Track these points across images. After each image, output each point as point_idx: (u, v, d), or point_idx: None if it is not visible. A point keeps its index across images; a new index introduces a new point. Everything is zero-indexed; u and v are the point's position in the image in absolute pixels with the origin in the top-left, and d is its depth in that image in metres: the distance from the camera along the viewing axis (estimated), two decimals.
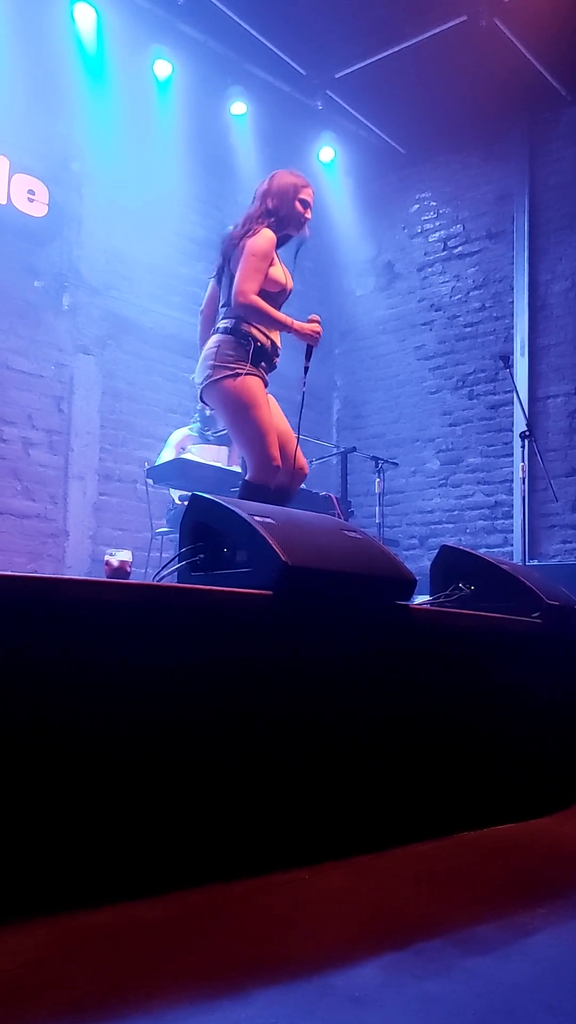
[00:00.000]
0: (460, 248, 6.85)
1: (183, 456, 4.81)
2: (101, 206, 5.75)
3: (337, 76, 6.28)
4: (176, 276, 6.28)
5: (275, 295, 3.04)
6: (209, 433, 5.05)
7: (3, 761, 1.30)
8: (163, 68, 5.98)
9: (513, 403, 6.13)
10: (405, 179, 7.19)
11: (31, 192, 5.32)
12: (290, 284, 3.11)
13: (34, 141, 5.41)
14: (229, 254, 3.07)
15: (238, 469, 4.74)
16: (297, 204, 3.12)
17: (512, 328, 6.45)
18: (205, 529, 1.98)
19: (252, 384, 2.95)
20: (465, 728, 2.11)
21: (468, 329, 6.73)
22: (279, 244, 3.11)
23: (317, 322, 3.07)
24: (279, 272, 3.06)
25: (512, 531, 6.25)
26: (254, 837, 1.59)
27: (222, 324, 3.03)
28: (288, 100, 6.55)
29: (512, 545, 6.21)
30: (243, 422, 2.95)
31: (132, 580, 3.02)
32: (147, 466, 4.96)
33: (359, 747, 1.83)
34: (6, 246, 5.26)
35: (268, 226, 3.03)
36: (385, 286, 7.29)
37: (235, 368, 2.93)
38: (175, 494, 5.04)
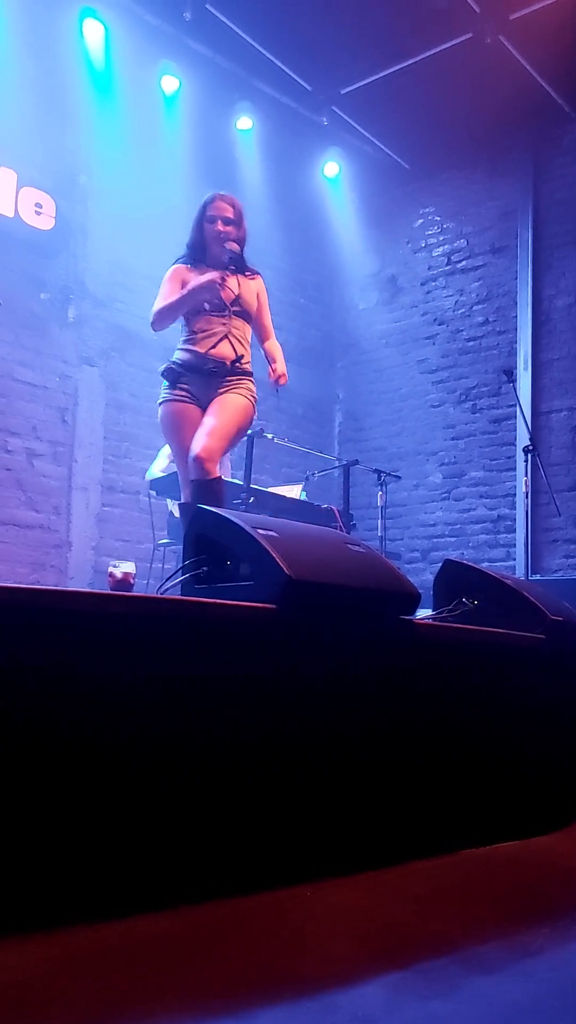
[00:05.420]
0: (464, 263, 6.87)
1: None
2: (107, 219, 5.79)
3: (343, 92, 6.33)
4: None
5: (199, 310, 3.26)
6: None
7: (6, 773, 1.30)
8: (170, 83, 6.03)
9: (516, 417, 6.13)
10: (410, 194, 7.23)
11: (38, 205, 5.35)
12: (218, 298, 3.25)
13: (42, 155, 5.45)
14: None
15: (229, 479, 4.75)
16: (205, 225, 3.32)
17: (515, 342, 6.47)
18: (209, 542, 1.98)
19: (166, 411, 3.28)
20: (467, 744, 2.10)
21: (471, 343, 6.75)
22: (220, 264, 3.28)
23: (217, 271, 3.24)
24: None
25: (515, 545, 6.24)
26: (256, 853, 1.59)
27: None
28: (294, 116, 6.60)
29: (515, 559, 6.20)
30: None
31: (135, 592, 3.01)
32: (148, 476, 4.97)
33: (360, 762, 1.83)
34: (13, 258, 5.29)
35: (177, 260, 3.36)
36: (388, 300, 7.31)
37: (161, 396, 3.31)
38: (174, 505, 5.04)
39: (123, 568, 3.33)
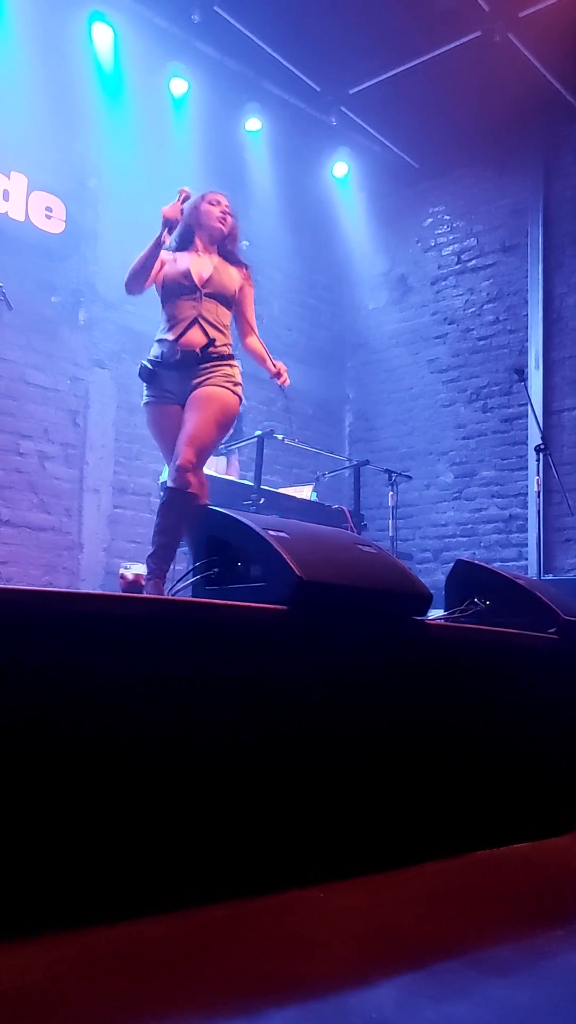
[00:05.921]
0: (474, 262, 6.85)
1: None
2: (117, 222, 5.80)
3: (351, 92, 6.33)
4: None
5: (176, 286, 3.22)
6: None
7: (14, 774, 1.30)
8: (179, 85, 6.04)
9: (528, 416, 6.11)
10: (419, 193, 7.21)
11: (49, 209, 5.38)
12: (189, 279, 3.22)
13: (52, 159, 5.47)
14: None
15: (239, 480, 4.76)
16: (204, 206, 3.34)
17: (527, 341, 6.44)
18: (220, 543, 1.98)
19: (147, 414, 3.25)
20: (479, 745, 2.09)
21: (482, 342, 6.72)
22: (213, 240, 3.29)
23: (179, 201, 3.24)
24: (181, 266, 3.25)
25: (527, 545, 6.21)
26: (266, 854, 1.58)
27: None
28: (303, 116, 6.60)
29: (527, 559, 6.17)
30: None
31: (147, 594, 3.02)
32: (161, 479, 4.99)
33: (372, 763, 1.82)
34: (24, 262, 5.31)
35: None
36: (398, 299, 7.30)
37: (142, 397, 3.26)
38: None
39: (134, 570, 3.34)
